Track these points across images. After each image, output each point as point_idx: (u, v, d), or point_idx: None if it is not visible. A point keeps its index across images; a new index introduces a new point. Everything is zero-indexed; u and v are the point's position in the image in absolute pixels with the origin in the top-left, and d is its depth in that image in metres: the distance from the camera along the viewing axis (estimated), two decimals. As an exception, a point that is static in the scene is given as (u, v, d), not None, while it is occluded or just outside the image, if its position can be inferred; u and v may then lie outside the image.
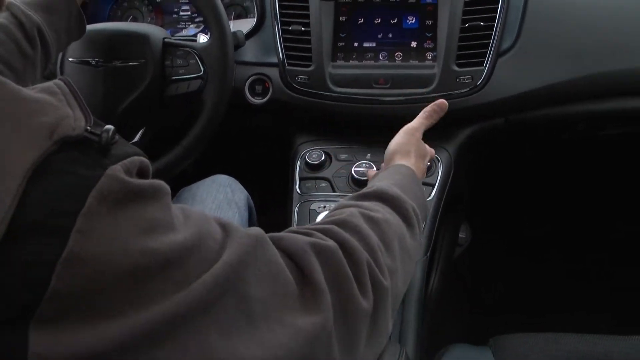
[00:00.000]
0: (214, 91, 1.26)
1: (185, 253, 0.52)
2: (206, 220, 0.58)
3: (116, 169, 0.49)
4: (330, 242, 0.65)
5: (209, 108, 1.26)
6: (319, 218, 1.16)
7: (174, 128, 1.35)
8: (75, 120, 0.51)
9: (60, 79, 0.55)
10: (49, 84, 0.54)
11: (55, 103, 0.51)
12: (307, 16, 1.38)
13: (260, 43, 1.44)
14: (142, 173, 0.54)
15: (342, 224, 0.71)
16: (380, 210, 0.78)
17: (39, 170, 0.46)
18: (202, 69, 1.26)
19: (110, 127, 0.52)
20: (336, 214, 0.75)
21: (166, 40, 1.28)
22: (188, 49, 1.27)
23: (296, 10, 1.39)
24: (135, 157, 0.53)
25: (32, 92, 0.51)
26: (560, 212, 1.95)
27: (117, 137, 0.52)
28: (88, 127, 0.51)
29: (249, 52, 1.42)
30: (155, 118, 1.31)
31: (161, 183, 0.54)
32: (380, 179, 0.91)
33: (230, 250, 0.56)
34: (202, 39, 1.43)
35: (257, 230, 0.62)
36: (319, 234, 0.67)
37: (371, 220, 0.74)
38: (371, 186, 0.86)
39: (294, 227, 0.75)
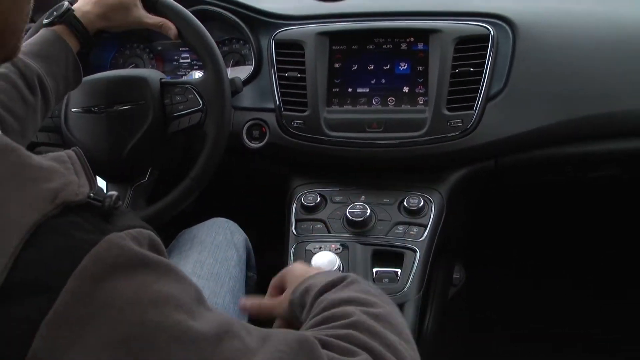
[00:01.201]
0: (215, 121, 1.29)
1: (203, 344, 0.49)
2: (236, 322, 0.55)
3: (119, 236, 0.49)
4: (364, 356, 0.60)
5: (212, 138, 1.29)
6: (314, 260, 1.19)
7: (179, 164, 1.39)
8: (79, 186, 0.51)
9: (72, 150, 0.56)
10: (60, 153, 0.55)
11: (62, 170, 0.52)
12: (303, 63, 1.42)
13: (258, 89, 1.48)
14: (155, 248, 0.53)
15: (358, 327, 0.65)
16: (377, 303, 0.73)
17: (38, 232, 0.47)
18: (200, 102, 1.29)
19: (113, 193, 0.52)
20: (338, 314, 0.69)
21: (163, 80, 1.33)
22: (185, 86, 1.31)
23: (292, 57, 1.44)
24: (143, 230, 0.52)
25: (43, 159, 0.52)
26: (552, 252, 1.98)
27: (120, 203, 0.52)
28: (91, 194, 0.51)
29: (247, 98, 1.47)
30: (160, 156, 1.35)
31: (179, 269, 0.53)
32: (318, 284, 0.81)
33: (264, 355, 0.52)
34: (197, 75, 1.47)
35: (300, 335, 0.58)
36: (344, 344, 0.62)
37: (378, 318, 0.69)
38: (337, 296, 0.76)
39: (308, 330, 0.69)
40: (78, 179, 0.52)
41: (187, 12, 1.32)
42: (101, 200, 0.51)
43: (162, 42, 1.60)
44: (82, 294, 0.45)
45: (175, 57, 1.61)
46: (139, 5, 1.28)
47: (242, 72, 1.51)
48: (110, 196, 0.52)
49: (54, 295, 0.44)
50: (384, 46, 1.43)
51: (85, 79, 1.23)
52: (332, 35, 1.44)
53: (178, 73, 1.60)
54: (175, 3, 1.31)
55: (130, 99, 1.28)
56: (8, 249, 0.45)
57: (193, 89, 1.31)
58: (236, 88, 1.38)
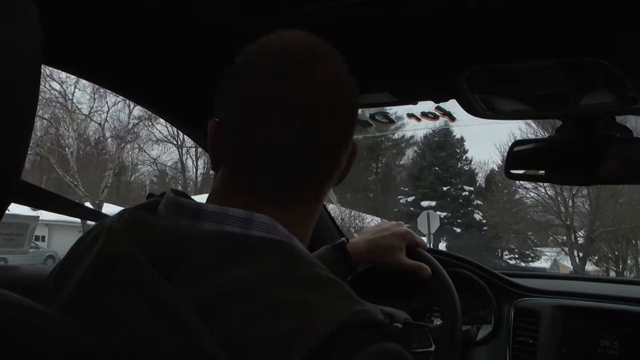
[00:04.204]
0: None
1: None
2: None
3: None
4: None
5: None
6: None
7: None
8: (375, 314, 0.66)
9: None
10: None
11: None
12: (537, 331, 1.58)
13: (492, 349, 1.62)
14: None
15: None
16: None
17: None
18: (433, 345, 1.48)
19: (399, 325, 0.66)
20: None
21: (407, 320, 1.55)
22: (425, 329, 1.51)
23: (528, 324, 1.61)
24: None
25: None
26: None
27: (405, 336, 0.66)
28: (382, 321, 0.65)
29: (482, 355, 1.62)
30: None
31: None
32: None
33: None
34: (437, 322, 1.68)
35: None
36: None
37: None
38: None
39: None
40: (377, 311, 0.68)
41: (440, 265, 1.54)
42: (388, 327, 0.70)
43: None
44: None
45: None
46: (403, 250, 1.52)
47: (481, 332, 1.68)
48: (397, 326, 0.67)
49: None
50: (615, 324, 1.54)
51: None
52: (568, 310, 1.60)
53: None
54: (432, 257, 1.54)
55: None
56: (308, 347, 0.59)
57: (430, 332, 1.52)
58: (469, 338, 1.57)
